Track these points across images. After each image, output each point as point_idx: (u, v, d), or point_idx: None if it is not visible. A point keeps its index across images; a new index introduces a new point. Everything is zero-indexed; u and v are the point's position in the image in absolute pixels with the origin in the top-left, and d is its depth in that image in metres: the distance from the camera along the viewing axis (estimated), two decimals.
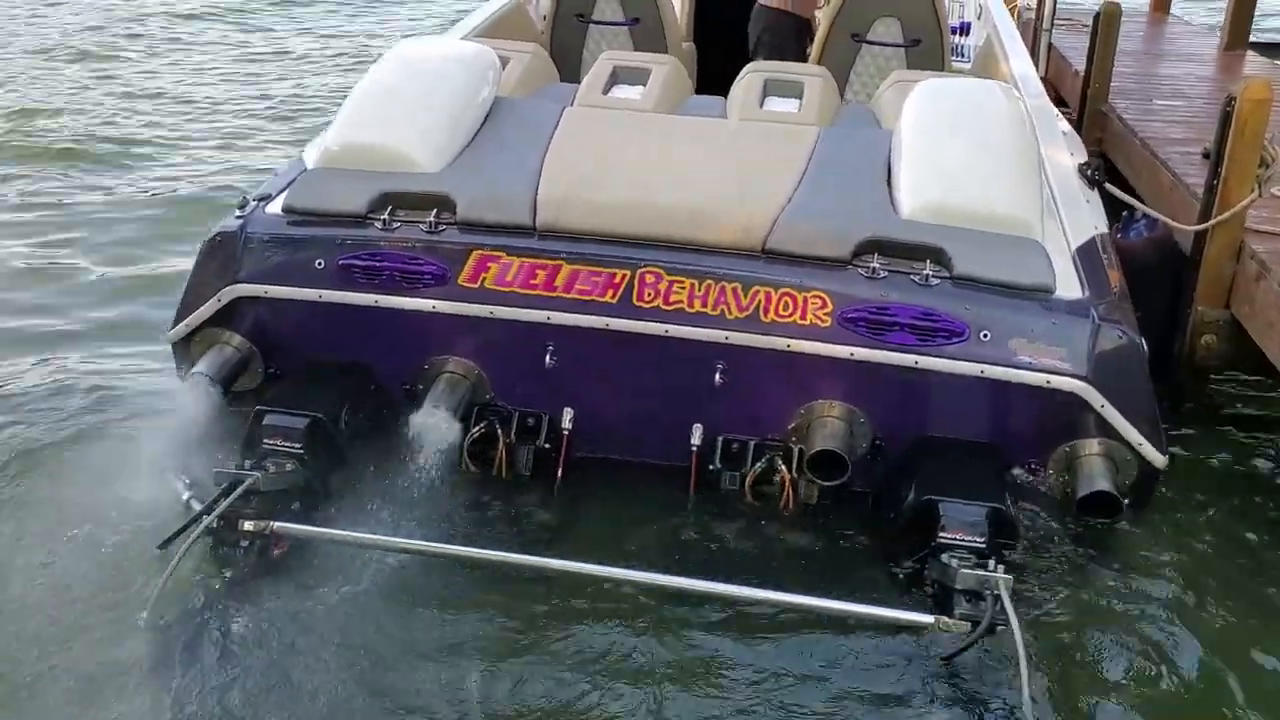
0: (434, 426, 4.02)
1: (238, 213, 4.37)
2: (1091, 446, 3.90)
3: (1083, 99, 7.86)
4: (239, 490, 3.63)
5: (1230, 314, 5.01)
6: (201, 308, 4.24)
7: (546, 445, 4.21)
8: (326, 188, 4.38)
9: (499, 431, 4.21)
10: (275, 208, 4.38)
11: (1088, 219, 4.61)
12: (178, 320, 4.30)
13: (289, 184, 4.49)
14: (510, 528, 4.06)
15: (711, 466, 4.15)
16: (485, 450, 4.23)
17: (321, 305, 4.18)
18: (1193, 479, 4.51)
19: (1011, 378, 3.87)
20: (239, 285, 4.20)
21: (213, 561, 3.66)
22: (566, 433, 4.20)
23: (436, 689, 3.32)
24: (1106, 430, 3.88)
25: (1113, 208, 5.32)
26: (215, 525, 3.61)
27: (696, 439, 4.14)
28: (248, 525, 3.61)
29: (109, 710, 3.19)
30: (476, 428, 4.20)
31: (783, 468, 4.09)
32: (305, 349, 4.28)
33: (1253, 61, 9.18)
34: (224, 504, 3.60)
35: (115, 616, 3.50)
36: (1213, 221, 4.91)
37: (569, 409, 4.20)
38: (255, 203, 4.41)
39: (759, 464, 4.12)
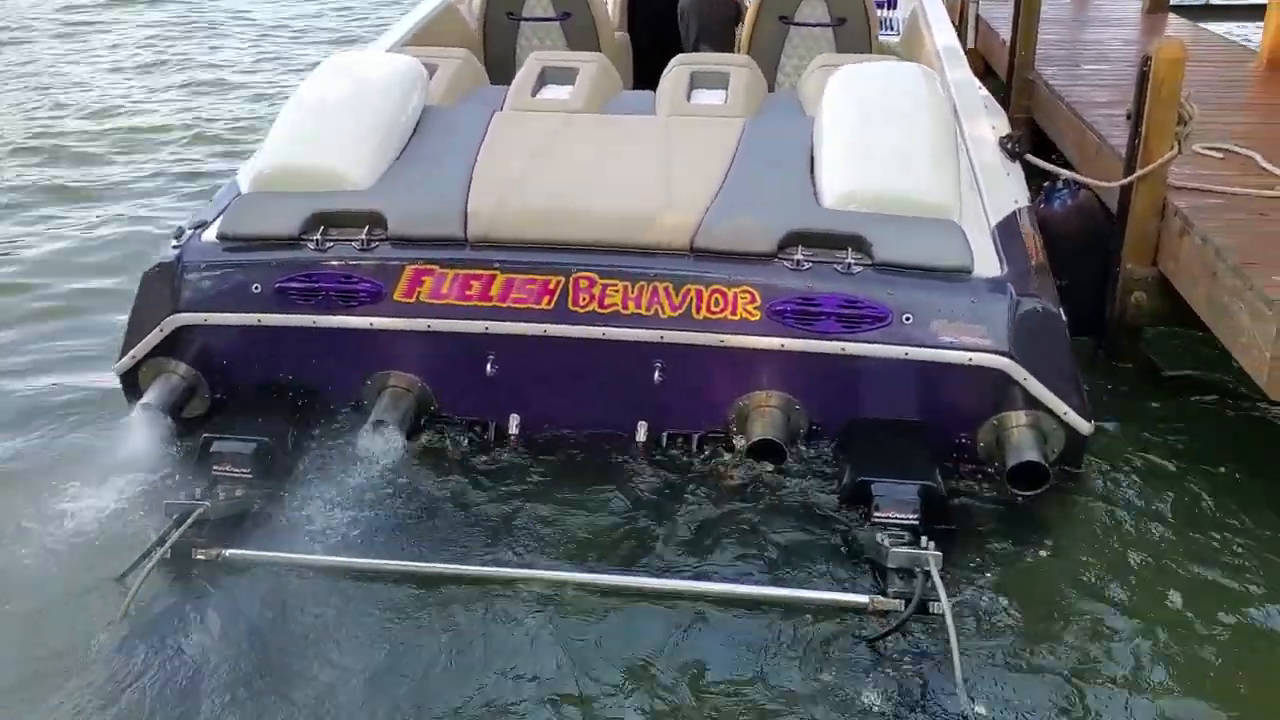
0: (379, 440, 4.09)
1: (174, 243, 4.42)
2: (1018, 419, 4.01)
3: (1010, 67, 7.98)
4: (189, 521, 3.69)
5: (1157, 270, 5.12)
6: (145, 339, 4.29)
7: (496, 448, 4.26)
8: (259, 211, 4.43)
9: (447, 442, 4.27)
10: (211, 235, 4.43)
11: (1008, 194, 4.72)
12: (123, 352, 4.34)
13: (223, 210, 4.53)
14: (459, 537, 3.98)
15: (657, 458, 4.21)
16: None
17: (262, 329, 4.24)
18: (1126, 438, 4.57)
19: (935, 358, 3.98)
20: (180, 315, 4.26)
21: (169, 588, 3.68)
22: (513, 438, 4.27)
23: (384, 701, 3.30)
24: (1031, 402, 3.98)
25: (1037, 176, 5.42)
26: (169, 556, 3.65)
27: (641, 435, 4.23)
28: (200, 555, 3.67)
29: None
30: (424, 438, 4.27)
31: (726, 457, 4.18)
32: (249, 373, 4.34)
33: (1175, 23, 9.35)
34: (175, 535, 3.66)
35: (74, 645, 3.50)
36: (1134, 176, 5.02)
37: (515, 415, 4.28)
38: (191, 231, 4.46)
39: (702, 456, 4.21)
